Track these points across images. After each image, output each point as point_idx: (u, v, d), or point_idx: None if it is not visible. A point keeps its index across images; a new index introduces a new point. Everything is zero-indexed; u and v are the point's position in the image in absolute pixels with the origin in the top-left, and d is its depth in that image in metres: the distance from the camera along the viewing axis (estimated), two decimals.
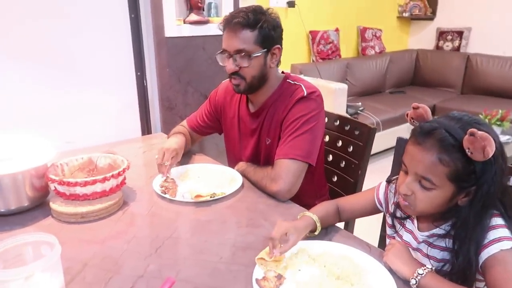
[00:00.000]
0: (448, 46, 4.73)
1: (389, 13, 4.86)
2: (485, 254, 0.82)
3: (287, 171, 1.23)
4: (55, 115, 1.65)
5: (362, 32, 4.50)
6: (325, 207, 1.11)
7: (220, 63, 1.33)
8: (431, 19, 4.88)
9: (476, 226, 0.84)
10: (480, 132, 0.76)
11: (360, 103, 3.76)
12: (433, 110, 4.10)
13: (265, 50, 1.27)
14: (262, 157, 1.41)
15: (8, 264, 0.76)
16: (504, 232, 0.82)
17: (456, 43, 4.66)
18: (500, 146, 0.83)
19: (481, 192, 0.83)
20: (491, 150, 0.77)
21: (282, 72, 1.42)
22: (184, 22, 1.94)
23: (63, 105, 1.66)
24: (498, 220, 0.84)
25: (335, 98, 3.30)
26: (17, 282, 0.72)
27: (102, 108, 1.77)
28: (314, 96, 1.30)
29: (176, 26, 1.90)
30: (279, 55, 1.32)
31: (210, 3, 2.04)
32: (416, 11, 4.90)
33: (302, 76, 3.53)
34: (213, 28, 2.00)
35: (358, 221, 1.53)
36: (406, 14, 4.91)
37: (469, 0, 4.53)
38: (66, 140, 1.40)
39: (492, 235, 0.83)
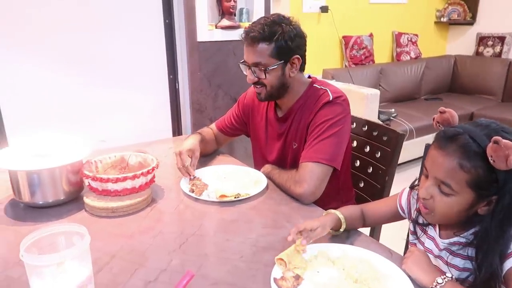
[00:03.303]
0: (488, 52, 4.56)
1: (426, 18, 4.75)
2: (507, 264, 0.80)
3: (311, 174, 1.24)
4: (92, 115, 1.74)
5: (397, 37, 4.42)
6: (350, 210, 1.11)
7: (244, 72, 1.36)
8: (471, 24, 4.72)
9: (498, 238, 0.81)
10: (504, 141, 0.75)
11: (393, 110, 3.69)
12: (471, 117, 3.95)
13: (282, 61, 1.29)
14: (289, 161, 1.43)
15: (43, 251, 0.81)
16: None
17: (497, 49, 4.48)
18: None
19: (503, 202, 0.81)
20: None
21: (309, 77, 1.43)
22: (216, 27, 2.00)
23: (99, 105, 1.75)
24: None
25: (366, 104, 3.25)
26: (49, 268, 0.78)
27: (136, 109, 1.85)
28: (340, 101, 1.31)
29: (208, 31, 1.95)
30: (299, 64, 1.33)
31: (241, 9, 2.09)
32: (455, 16, 4.75)
33: (333, 82, 3.53)
34: None
35: (385, 228, 1.52)
36: (444, 19, 4.78)
37: (511, 4, 4.35)
38: (100, 139, 1.47)
39: None
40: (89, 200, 1.22)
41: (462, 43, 4.86)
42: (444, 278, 0.82)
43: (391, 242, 1.12)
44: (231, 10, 1.98)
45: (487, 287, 0.84)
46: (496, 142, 0.75)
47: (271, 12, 2.11)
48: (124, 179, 1.21)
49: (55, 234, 0.85)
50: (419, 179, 1.00)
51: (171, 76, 1.89)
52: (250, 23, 2.06)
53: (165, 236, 1.10)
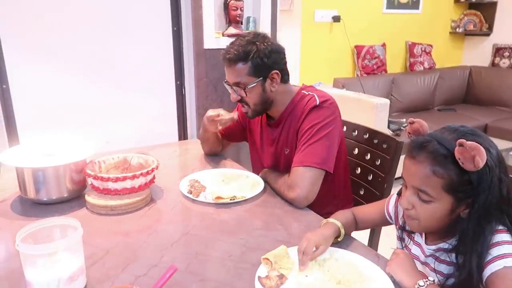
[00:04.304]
0: (505, 63, 4.49)
1: (441, 29, 4.72)
2: (488, 270, 0.80)
3: (302, 179, 1.26)
4: (100, 117, 1.81)
5: (410, 47, 4.41)
6: (345, 215, 1.13)
7: (229, 91, 1.41)
8: (487, 34, 4.67)
9: (477, 238, 0.82)
10: (469, 142, 0.76)
11: (404, 120, 3.66)
12: (485, 129, 3.90)
13: (261, 78, 1.33)
14: (282, 167, 1.45)
15: (38, 242, 0.86)
16: (509, 248, 0.80)
17: None
18: (497, 157, 0.82)
19: (478, 203, 0.82)
20: (481, 160, 0.76)
21: (303, 85, 1.47)
22: (223, 35, 2.05)
23: (107, 109, 1.82)
24: (504, 237, 0.82)
25: (376, 113, 3.25)
26: (42, 258, 0.82)
27: (143, 113, 1.91)
28: (327, 104, 1.33)
29: (214, 38, 2.00)
30: (279, 78, 1.36)
31: (248, 17, 2.13)
32: (471, 27, 4.71)
33: (343, 91, 3.54)
34: None
35: (384, 234, 1.52)
36: (460, 30, 4.74)
37: None
38: (105, 140, 1.53)
39: (496, 251, 0.81)
40: (90, 198, 1.27)
41: (478, 54, 4.81)
42: (426, 281, 0.83)
43: (389, 248, 1.12)
44: (237, 18, 2.04)
45: (466, 287, 0.84)
46: (461, 144, 0.77)
47: (278, 19, 2.16)
48: (124, 178, 1.26)
49: (51, 227, 0.90)
50: None
51: (178, 82, 1.95)
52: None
53: (159, 234, 1.14)
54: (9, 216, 1.23)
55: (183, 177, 1.48)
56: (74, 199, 1.33)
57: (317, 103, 1.33)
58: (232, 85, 1.36)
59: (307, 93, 1.39)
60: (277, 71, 1.34)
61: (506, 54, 4.48)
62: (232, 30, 2.04)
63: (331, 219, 1.07)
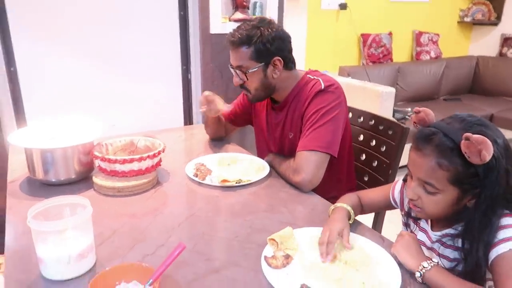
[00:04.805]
0: None
1: (448, 18, 4.66)
2: (494, 253, 0.81)
3: (307, 162, 1.27)
4: (106, 102, 1.81)
5: (417, 36, 4.36)
6: (351, 199, 1.13)
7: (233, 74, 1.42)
8: (495, 24, 4.61)
9: (483, 227, 0.83)
10: (475, 136, 0.76)
11: (409, 109, 3.65)
12: (491, 119, 3.87)
13: (263, 64, 1.33)
14: (287, 150, 1.46)
15: (49, 220, 0.87)
16: None
17: None
18: (504, 147, 0.82)
19: (485, 194, 0.82)
20: (487, 154, 0.76)
21: (309, 69, 1.46)
22: (229, 20, 2.04)
23: (114, 93, 1.82)
24: (509, 220, 0.83)
25: (381, 102, 3.24)
26: (53, 235, 0.84)
27: (149, 97, 1.91)
28: (332, 89, 1.33)
29: (221, 23, 1.99)
30: (281, 65, 1.35)
31: (255, 2, 2.12)
32: (479, 16, 4.65)
33: (348, 79, 3.53)
34: None
35: (387, 219, 1.53)
36: (467, 19, 4.68)
37: None
38: (112, 123, 1.54)
39: (502, 234, 0.81)
40: (98, 179, 1.28)
41: (485, 44, 4.75)
42: (430, 262, 0.84)
43: (392, 235, 1.13)
44: (244, 3, 2.02)
45: (472, 275, 0.85)
46: (467, 138, 0.77)
47: (285, 6, 2.14)
48: (131, 160, 1.27)
49: (61, 206, 0.91)
50: None
51: (184, 67, 1.95)
52: (264, 16, 2.09)
53: (166, 216, 1.15)
54: (18, 196, 1.24)
55: (189, 161, 1.49)
56: (82, 180, 1.34)
57: (322, 88, 1.33)
58: (235, 68, 1.37)
59: (312, 77, 1.39)
60: (279, 58, 1.34)
61: None
62: (238, 15, 2.03)
63: (339, 204, 1.08)
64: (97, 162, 1.31)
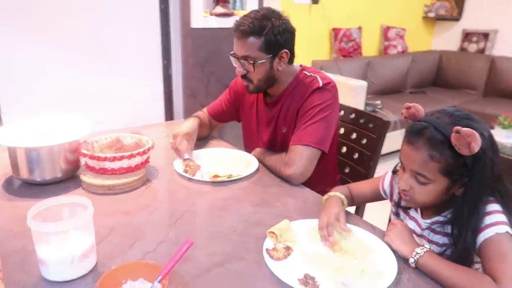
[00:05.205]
0: (473, 48, 4.68)
1: (414, 13, 4.83)
2: (481, 237, 0.88)
3: (300, 156, 1.30)
4: (86, 99, 1.77)
5: (385, 31, 4.50)
6: (343, 190, 1.18)
7: (233, 64, 1.40)
8: (457, 20, 4.83)
9: (471, 214, 0.89)
10: (464, 129, 0.82)
11: (379, 102, 3.78)
12: None
13: (271, 55, 1.33)
14: (278, 145, 1.49)
15: (48, 221, 0.85)
16: (500, 217, 0.88)
17: (481, 45, 4.60)
18: (489, 139, 0.89)
19: (473, 183, 0.89)
20: (476, 146, 0.82)
21: (300, 66, 1.49)
22: (210, 14, 2.03)
23: (94, 90, 1.78)
24: (494, 206, 0.90)
25: (354, 95, 3.33)
26: (56, 235, 0.82)
27: (130, 93, 1.88)
28: (329, 87, 1.37)
29: (202, 18, 1.98)
30: (287, 58, 1.37)
31: None
32: (442, 12, 4.85)
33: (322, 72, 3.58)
34: None
35: (368, 206, 1.60)
36: (431, 14, 4.87)
37: (496, 2, 4.46)
38: (96, 120, 1.50)
39: (488, 219, 0.88)
40: (86, 177, 1.26)
41: (447, 39, 4.97)
42: (423, 248, 0.90)
43: (374, 221, 1.19)
44: None
45: (461, 259, 0.91)
46: (457, 132, 0.83)
47: (265, 1, 2.16)
48: (121, 158, 1.25)
49: (60, 205, 0.90)
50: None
51: (165, 62, 1.93)
52: (244, 10, 2.10)
53: (161, 212, 1.15)
54: (3, 197, 1.20)
55: (175, 157, 1.48)
56: (68, 179, 1.31)
57: (320, 85, 1.36)
58: (240, 58, 1.34)
59: (308, 74, 1.42)
60: (286, 51, 1.35)
61: (474, 39, 4.66)
62: (219, 9, 2.03)
63: (332, 193, 1.12)
64: (84, 160, 1.29)
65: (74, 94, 1.75)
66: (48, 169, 1.26)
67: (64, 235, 0.83)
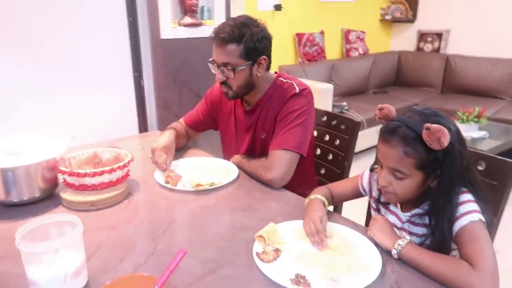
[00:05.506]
0: (428, 47, 4.92)
1: (372, 16, 5.04)
2: (457, 226, 0.95)
3: (280, 161, 1.34)
4: (58, 114, 1.73)
5: (346, 34, 4.66)
6: (323, 191, 1.22)
7: (212, 71, 1.42)
8: (412, 21, 5.07)
9: (446, 204, 0.96)
10: (434, 126, 0.89)
11: (345, 103, 3.91)
12: None
13: (250, 62, 1.36)
14: (258, 151, 1.52)
15: (37, 241, 0.84)
16: (472, 206, 0.95)
17: (436, 44, 4.85)
18: (456, 133, 0.96)
19: (445, 175, 0.96)
20: (445, 140, 0.90)
21: (275, 72, 1.53)
22: (179, 25, 2.04)
23: (66, 104, 1.75)
24: (467, 196, 0.97)
25: (321, 98, 3.43)
26: (47, 255, 0.81)
27: (101, 107, 1.85)
28: (305, 93, 1.42)
29: (171, 28, 1.99)
30: (266, 64, 1.41)
31: (203, 7, 2.14)
32: (398, 14, 5.08)
33: None
34: (207, 30, 2.10)
35: (346, 204, 1.66)
36: (388, 17, 5.09)
37: (447, 3, 4.73)
38: (70, 136, 1.48)
39: (462, 209, 0.95)
40: (67, 195, 1.24)
41: (404, 40, 5.21)
42: (404, 240, 0.96)
43: (352, 218, 1.25)
44: (193, 8, 2.04)
45: (440, 247, 0.98)
46: (428, 128, 0.90)
47: (231, 10, 2.19)
48: (102, 173, 1.24)
49: (47, 225, 0.89)
50: (376, 162, 1.14)
51: (136, 74, 1.92)
52: (212, 20, 2.13)
53: (147, 224, 1.16)
54: None
55: (154, 169, 1.48)
56: (46, 198, 1.29)
57: (297, 91, 1.40)
58: (220, 65, 1.36)
59: (285, 80, 1.46)
60: (265, 57, 1.39)
61: (429, 39, 4.90)
62: (188, 19, 2.05)
63: (313, 196, 1.17)
64: (62, 178, 1.27)
65: (45, 111, 1.71)
66: (26, 189, 1.22)
67: (55, 253, 0.82)
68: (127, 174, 1.35)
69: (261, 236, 1.02)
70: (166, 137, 1.55)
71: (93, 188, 1.26)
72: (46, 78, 1.70)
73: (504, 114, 3.77)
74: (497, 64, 4.31)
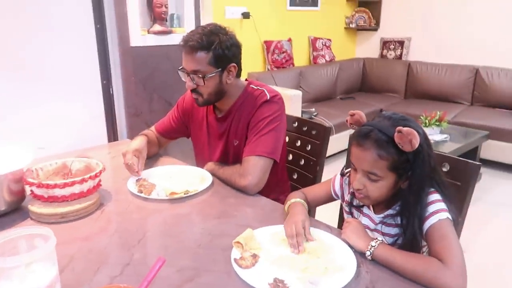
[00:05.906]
0: (391, 54, 5.10)
1: (337, 24, 5.17)
2: (426, 224, 0.99)
3: (254, 167, 1.35)
4: (24, 124, 1.67)
5: (313, 42, 4.76)
6: (300, 195, 1.24)
7: (182, 79, 1.43)
8: (375, 29, 5.25)
9: (416, 204, 1.00)
10: (405, 129, 0.94)
11: (314, 109, 3.99)
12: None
13: (220, 69, 1.38)
14: (231, 158, 1.52)
15: (6, 255, 0.81)
16: (440, 205, 1.00)
17: (398, 51, 5.04)
18: (424, 136, 1.01)
19: (415, 176, 1.01)
20: (416, 142, 0.94)
21: (246, 80, 1.55)
22: (149, 32, 2.03)
23: (34, 115, 1.68)
24: (435, 196, 1.02)
25: (291, 104, 3.47)
26: (18, 270, 0.78)
27: (70, 116, 1.80)
28: (276, 99, 1.44)
29: (140, 36, 1.97)
30: (235, 71, 1.42)
31: (172, 14, 2.14)
32: (362, 22, 5.25)
33: None
34: (176, 38, 2.09)
35: (319, 207, 1.68)
36: (352, 25, 5.25)
37: (408, 13, 4.93)
38: (37, 146, 1.43)
39: (431, 208, 1.00)
40: (35, 207, 1.20)
41: (368, 47, 5.38)
42: (377, 241, 0.99)
43: (325, 221, 1.27)
44: (162, 15, 2.03)
45: (411, 245, 1.02)
46: (399, 131, 0.94)
47: (201, 17, 2.20)
48: (72, 183, 1.21)
49: (15, 239, 0.86)
50: (346, 167, 1.18)
51: (104, 82, 1.88)
52: (182, 28, 2.12)
53: (122, 234, 1.13)
54: None
55: (126, 178, 1.46)
56: (13, 211, 1.24)
57: (268, 98, 1.42)
58: (190, 72, 1.36)
59: (256, 87, 1.48)
60: (234, 64, 1.40)
61: (392, 46, 5.09)
62: (157, 27, 2.03)
63: (293, 199, 1.19)
64: (30, 190, 1.22)
65: (10, 122, 1.64)
66: None
67: (26, 268, 0.79)
68: (98, 184, 1.32)
69: (238, 242, 1.03)
70: (138, 142, 1.53)
71: (63, 199, 1.22)
72: (13, 90, 1.64)
73: (463, 117, 3.95)
74: (455, 70, 4.53)
